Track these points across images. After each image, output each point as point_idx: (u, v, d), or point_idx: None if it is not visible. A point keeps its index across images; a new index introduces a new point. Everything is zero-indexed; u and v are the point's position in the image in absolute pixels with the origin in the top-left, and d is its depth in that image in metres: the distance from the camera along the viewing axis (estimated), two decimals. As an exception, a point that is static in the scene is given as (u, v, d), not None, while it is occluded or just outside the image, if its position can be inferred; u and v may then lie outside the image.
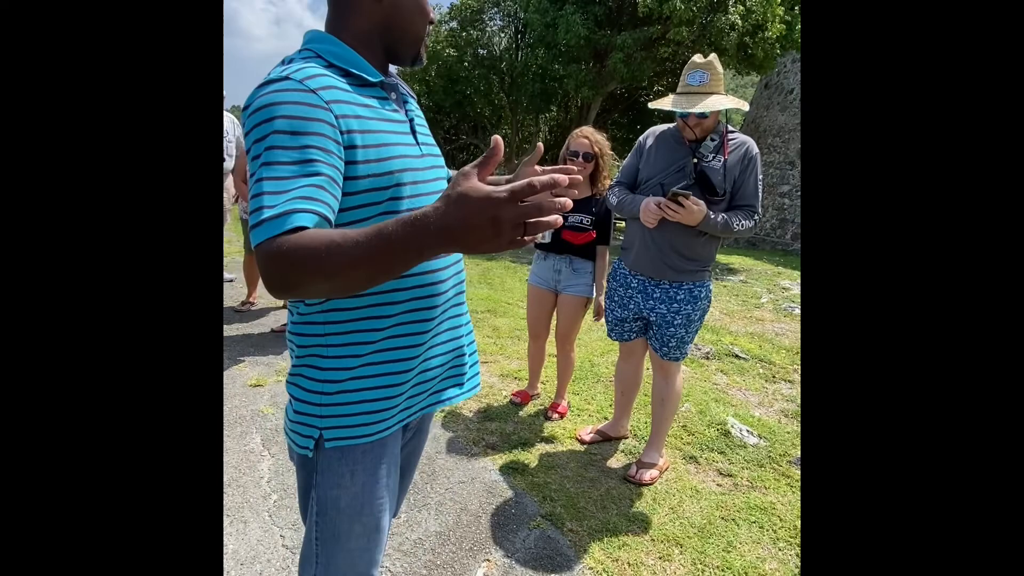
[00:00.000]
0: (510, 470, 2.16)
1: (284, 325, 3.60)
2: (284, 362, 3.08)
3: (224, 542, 1.66)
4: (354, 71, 0.80)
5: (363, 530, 0.89)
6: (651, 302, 2.02)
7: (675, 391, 2.15)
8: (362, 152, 0.76)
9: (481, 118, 14.88)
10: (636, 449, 2.38)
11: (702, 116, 1.87)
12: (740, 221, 1.85)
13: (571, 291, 2.50)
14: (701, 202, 1.79)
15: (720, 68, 1.89)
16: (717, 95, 1.85)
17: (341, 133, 0.73)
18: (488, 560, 1.67)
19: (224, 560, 1.59)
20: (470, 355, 1.01)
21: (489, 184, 0.57)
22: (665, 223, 1.88)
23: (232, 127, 4.13)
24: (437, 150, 0.95)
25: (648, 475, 2.12)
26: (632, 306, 2.08)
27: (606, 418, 2.60)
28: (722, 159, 1.87)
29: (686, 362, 3.58)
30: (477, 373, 1.04)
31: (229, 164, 4.10)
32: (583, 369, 3.24)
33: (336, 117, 0.73)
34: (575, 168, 0.79)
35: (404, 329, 0.85)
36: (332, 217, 0.69)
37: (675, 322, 1.99)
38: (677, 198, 1.77)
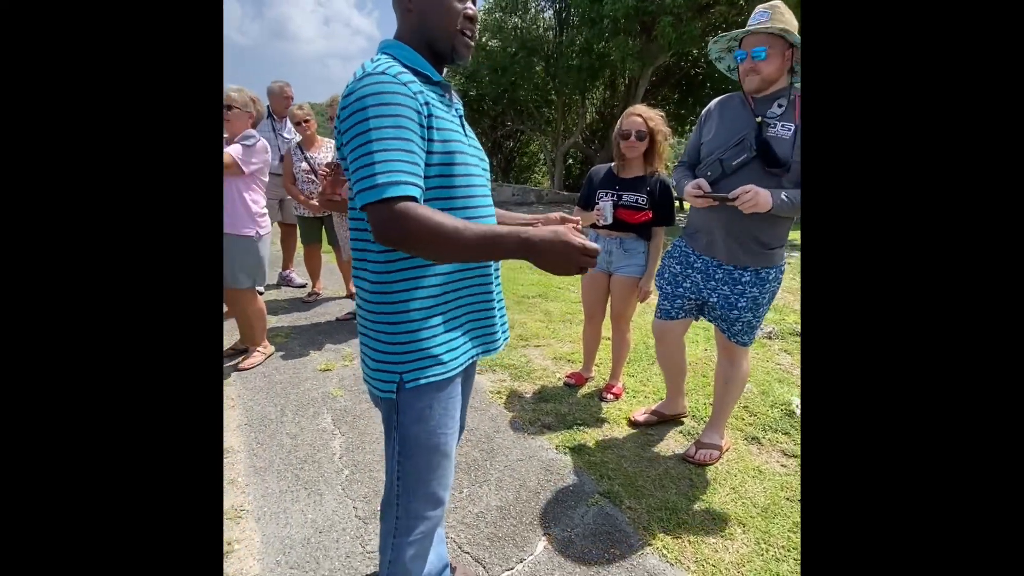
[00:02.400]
0: (567, 449, 2.19)
1: (348, 314, 3.79)
2: (350, 348, 3.25)
3: (303, 512, 1.81)
4: (421, 71, 0.97)
5: (440, 459, 1.07)
6: (712, 283, 1.93)
7: (741, 373, 2.07)
8: (436, 133, 0.93)
9: (526, 103, 14.75)
10: (695, 430, 2.35)
11: (755, 55, 1.69)
12: None
13: (623, 272, 2.49)
14: (750, 187, 1.64)
15: (786, 12, 1.69)
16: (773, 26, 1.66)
17: (424, 117, 0.91)
18: (548, 534, 1.72)
19: (304, 528, 1.73)
20: (503, 313, 1.21)
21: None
22: (734, 212, 1.75)
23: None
24: (478, 142, 1.13)
25: (708, 455, 2.09)
26: (688, 284, 2.00)
27: (662, 399, 2.57)
28: (792, 126, 1.70)
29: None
30: (507, 329, 1.22)
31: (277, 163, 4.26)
32: (638, 351, 3.20)
33: (421, 104, 0.90)
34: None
35: (463, 284, 1.04)
36: (423, 186, 0.89)
37: (739, 304, 1.89)
38: (724, 202, 1.70)
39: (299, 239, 4.19)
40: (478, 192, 1.04)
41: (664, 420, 2.40)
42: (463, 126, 1.05)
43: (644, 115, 2.35)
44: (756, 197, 1.64)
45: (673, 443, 2.27)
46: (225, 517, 1.77)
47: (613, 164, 2.51)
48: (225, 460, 2.09)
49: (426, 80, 0.97)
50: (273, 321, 3.61)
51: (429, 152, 0.92)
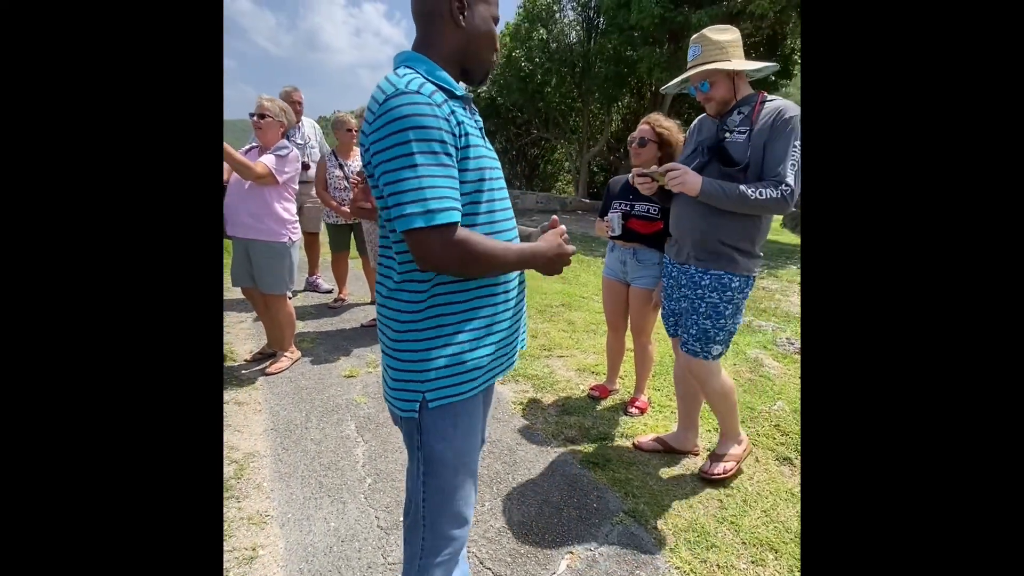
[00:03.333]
0: (590, 464, 2.15)
1: (373, 320, 3.83)
2: (374, 354, 3.28)
3: (326, 519, 1.81)
4: (445, 86, 0.96)
5: (465, 476, 1.06)
6: (681, 291, 1.95)
7: (713, 390, 1.95)
8: (472, 151, 0.94)
9: (552, 111, 14.77)
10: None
11: (702, 89, 1.79)
12: (760, 190, 1.64)
13: (638, 283, 2.45)
14: (679, 166, 1.72)
15: (716, 37, 1.76)
16: (705, 64, 1.75)
17: (456, 137, 0.92)
18: (571, 552, 1.68)
19: (327, 536, 1.73)
20: (524, 327, 1.22)
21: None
22: (689, 206, 1.83)
23: (314, 133, 4.40)
24: (494, 151, 1.14)
25: (720, 467, 2.02)
26: (675, 295, 2.01)
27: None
28: (747, 130, 1.74)
29: (778, 357, 3.36)
30: (524, 338, 1.23)
31: (314, 170, 4.34)
32: (664, 364, 3.14)
33: (454, 125, 0.91)
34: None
35: (489, 302, 1.04)
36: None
37: (699, 309, 1.86)
38: (660, 180, 1.78)
39: (327, 245, 4.26)
40: (499, 207, 1.04)
41: (670, 451, 2.24)
42: (483, 138, 1.05)
43: (652, 122, 2.33)
44: (684, 176, 1.71)
45: (701, 462, 2.20)
46: (250, 522, 1.79)
47: (630, 174, 2.49)
48: (251, 464, 2.12)
49: (450, 95, 0.96)
50: (300, 326, 3.67)
51: (463, 170, 0.93)
